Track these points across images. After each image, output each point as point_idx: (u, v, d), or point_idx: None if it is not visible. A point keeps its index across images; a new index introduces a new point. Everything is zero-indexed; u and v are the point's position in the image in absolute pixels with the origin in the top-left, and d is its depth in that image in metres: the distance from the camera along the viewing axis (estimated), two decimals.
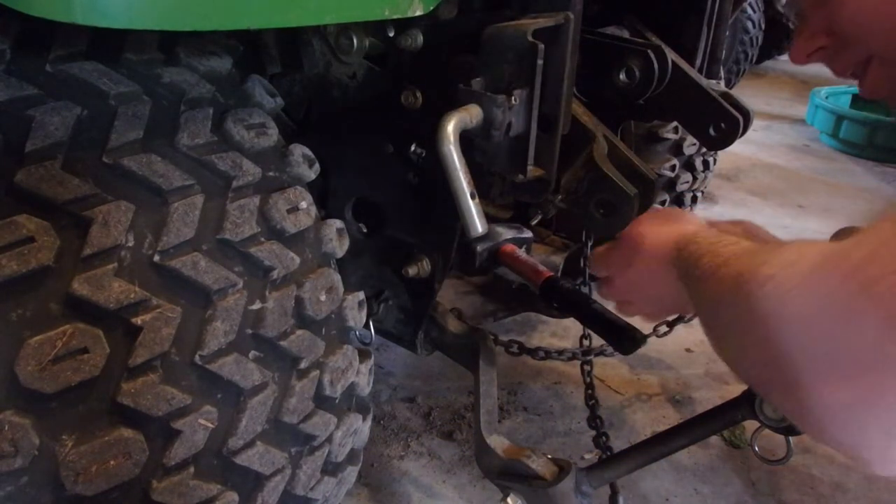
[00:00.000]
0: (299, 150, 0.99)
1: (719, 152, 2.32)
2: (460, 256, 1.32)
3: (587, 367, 1.70)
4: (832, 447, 0.59)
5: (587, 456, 1.75)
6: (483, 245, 1.44)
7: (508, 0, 1.00)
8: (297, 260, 0.92)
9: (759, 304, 0.62)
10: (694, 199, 2.35)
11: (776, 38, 5.43)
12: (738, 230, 1.07)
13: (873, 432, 0.54)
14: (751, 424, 1.12)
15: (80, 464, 0.74)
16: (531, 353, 1.62)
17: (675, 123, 2.00)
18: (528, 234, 1.56)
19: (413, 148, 1.16)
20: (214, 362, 0.82)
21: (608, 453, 1.48)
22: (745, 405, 1.11)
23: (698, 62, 1.29)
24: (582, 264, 1.63)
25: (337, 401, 1.01)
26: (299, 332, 0.92)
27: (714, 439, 1.81)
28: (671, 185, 2.19)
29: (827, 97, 4.42)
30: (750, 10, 4.68)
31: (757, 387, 0.71)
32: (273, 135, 0.96)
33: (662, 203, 2.23)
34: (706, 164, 2.27)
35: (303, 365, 0.93)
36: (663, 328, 1.74)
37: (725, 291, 0.71)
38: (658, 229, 1.02)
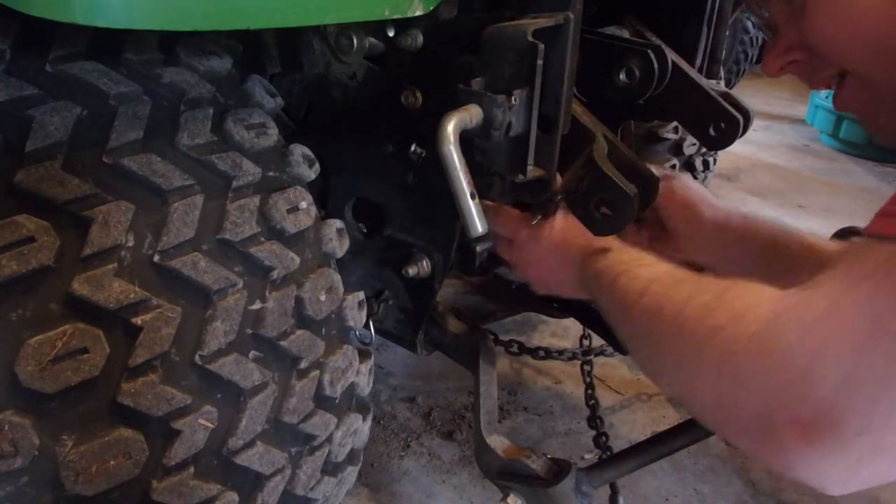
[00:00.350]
0: (299, 150, 0.99)
1: (719, 152, 2.32)
2: (460, 256, 1.32)
3: (587, 367, 1.70)
4: (791, 478, 0.61)
5: (587, 456, 1.75)
6: (483, 245, 1.44)
7: (508, 0, 1.00)
8: (297, 260, 0.92)
9: (708, 354, 0.64)
10: None
11: None
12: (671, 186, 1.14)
13: (834, 473, 0.57)
14: None
15: (80, 464, 0.74)
16: (531, 353, 1.63)
17: (675, 123, 2.00)
18: None
19: (413, 148, 1.15)
20: (214, 362, 0.82)
21: (608, 453, 1.48)
22: None
23: (698, 62, 1.29)
24: None
25: (337, 401, 1.01)
26: (299, 332, 0.92)
27: (714, 439, 1.80)
28: None
29: (827, 97, 4.41)
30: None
31: (707, 423, 0.69)
32: (273, 135, 0.96)
33: None
34: (706, 164, 2.27)
35: (303, 365, 0.93)
36: None
37: (665, 330, 0.72)
38: (571, 226, 1.05)
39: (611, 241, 1.01)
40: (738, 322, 0.61)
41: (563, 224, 1.08)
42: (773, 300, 0.61)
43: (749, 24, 4.74)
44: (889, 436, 0.54)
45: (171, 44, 0.91)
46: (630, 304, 0.81)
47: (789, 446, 0.57)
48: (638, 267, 0.86)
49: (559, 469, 1.07)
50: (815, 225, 3.26)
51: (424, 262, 1.25)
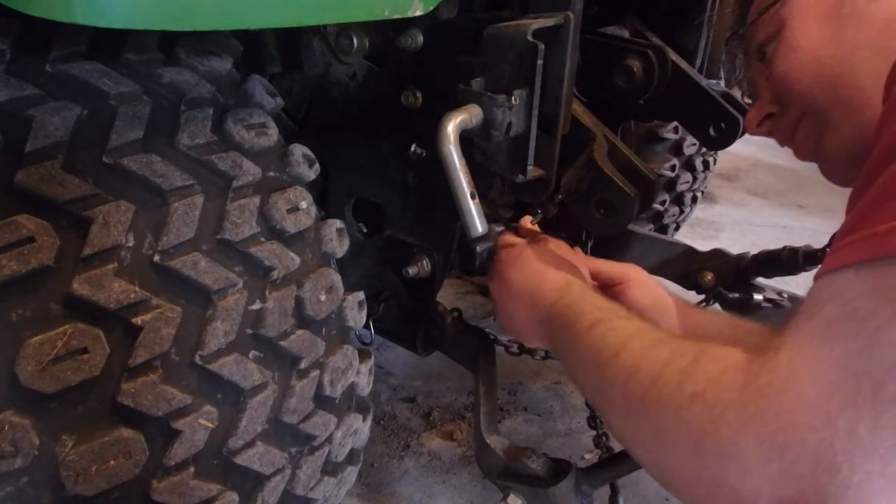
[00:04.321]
0: (299, 150, 0.99)
1: (719, 152, 2.32)
2: (460, 256, 1.32)
3: None
4: None
5: (587, 456, 1.75)
6: (483, 245, 1.44)
7: (508, 0, 1.00)
8: (297, 260, 0.92)
9: (687, 420, 0.62)
10: (694, 199, 2.35)
11: None
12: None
13: None
14: None
15: (80, 464, 0.74)
16: (531, 353, 1.62)
17: (675, 123, 2.00)
18: None
19: (413, 148, 1.15)
20: (214, 362, 0.82)
21: (608, 453, 1.48)
22: None
23: (698, 62, 1.29)
24: None
25: (337, 401, 1.01)
26: (299, 332, 0.92)
27: None
28: (671, 185, 2.19)
29: None
30: None
31: (687, 500, 0.67)
32: (273, 135, 0.96)
33: (662, 203, 2.23)
34: (706, 164, 2.27)
35: (303, 365, 0.93)
36: None
37: (639, 395, 0.69)
38: (534, 275, 1.00)
39: (582, 283, 0.96)
40: (715, 387, 0.60)
41: (539, 252, 1.03)
42: (740, 361, 0.60)
43: None
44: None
45: (171, 44, 0.91)
46: (605, 360, 0.77)
47: None
48: (616, 318, 0.82)
49: (559, 469, 1.07)
50: (815, 225, 3.26)
51: (424, 262, 1.25)
